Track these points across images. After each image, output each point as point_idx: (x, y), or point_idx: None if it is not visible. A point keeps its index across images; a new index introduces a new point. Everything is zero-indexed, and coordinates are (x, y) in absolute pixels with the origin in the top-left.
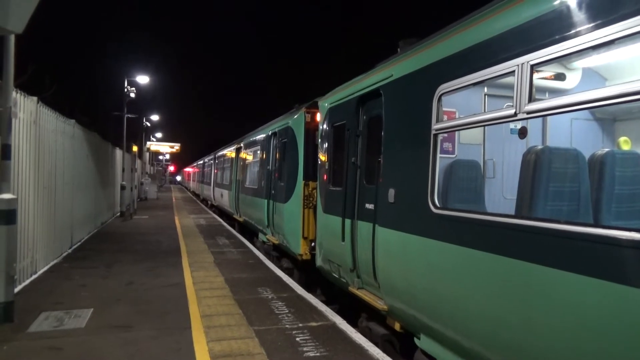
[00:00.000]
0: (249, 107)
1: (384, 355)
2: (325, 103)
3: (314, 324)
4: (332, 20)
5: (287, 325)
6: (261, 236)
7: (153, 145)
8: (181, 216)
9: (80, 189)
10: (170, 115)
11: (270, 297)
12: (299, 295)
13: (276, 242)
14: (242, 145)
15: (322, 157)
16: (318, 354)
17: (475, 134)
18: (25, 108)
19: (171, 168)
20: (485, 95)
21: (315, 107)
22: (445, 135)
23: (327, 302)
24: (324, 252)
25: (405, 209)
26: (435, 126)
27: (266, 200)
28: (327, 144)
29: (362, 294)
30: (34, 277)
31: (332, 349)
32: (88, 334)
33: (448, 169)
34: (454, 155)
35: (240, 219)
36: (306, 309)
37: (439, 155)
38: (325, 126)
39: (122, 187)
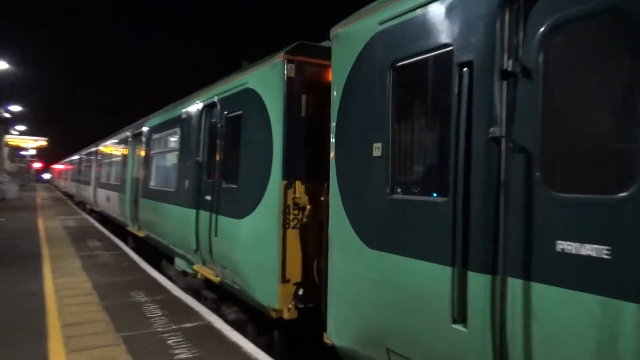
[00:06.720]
0: (133, 102)
1: (259, 350)
2: (353, 28)
3: (188, 325)
4: None
5: (159, 329)
6: (180, 262)
7: (14, 139)
8: (46, 218)
9: None
10: (37, 108)
11: (143, 300)
12: (175, 296)
13: (216, 278)
14: (143, 130)
15: (354, 134)
16: (190, 356)
17: None
18: None
19: (37, 165)
20: None
21: (305, 51)
22: None
23: None
24: (367, 325)
25: None
26: None
27: (195, 211)
28: (371, 104)
29: None
30: None
31: (206, 349)
32: None
33: None
34: None
35: (140, 234)
36: (181, 310)
37: None
38: (361, 72)
39: None
